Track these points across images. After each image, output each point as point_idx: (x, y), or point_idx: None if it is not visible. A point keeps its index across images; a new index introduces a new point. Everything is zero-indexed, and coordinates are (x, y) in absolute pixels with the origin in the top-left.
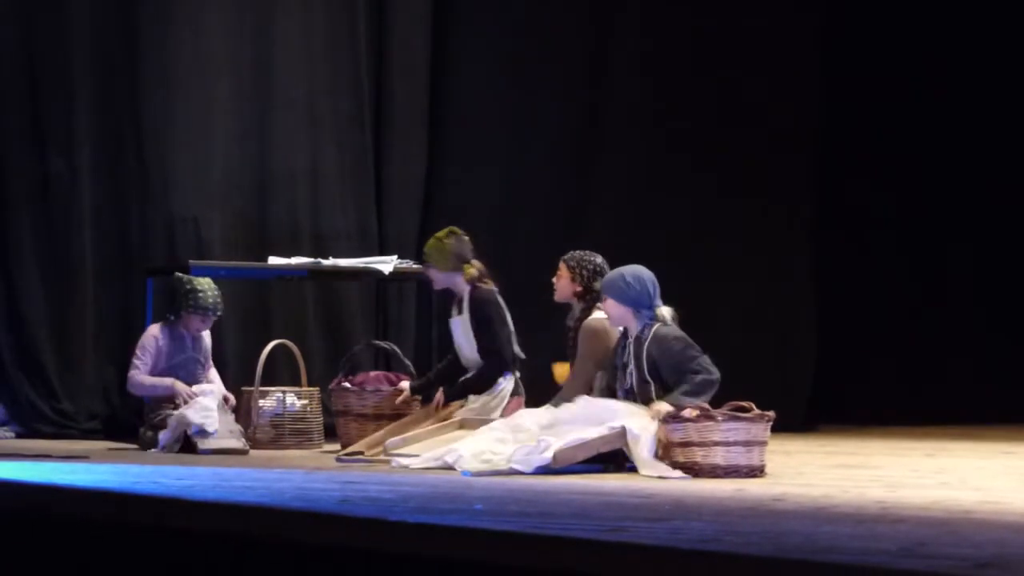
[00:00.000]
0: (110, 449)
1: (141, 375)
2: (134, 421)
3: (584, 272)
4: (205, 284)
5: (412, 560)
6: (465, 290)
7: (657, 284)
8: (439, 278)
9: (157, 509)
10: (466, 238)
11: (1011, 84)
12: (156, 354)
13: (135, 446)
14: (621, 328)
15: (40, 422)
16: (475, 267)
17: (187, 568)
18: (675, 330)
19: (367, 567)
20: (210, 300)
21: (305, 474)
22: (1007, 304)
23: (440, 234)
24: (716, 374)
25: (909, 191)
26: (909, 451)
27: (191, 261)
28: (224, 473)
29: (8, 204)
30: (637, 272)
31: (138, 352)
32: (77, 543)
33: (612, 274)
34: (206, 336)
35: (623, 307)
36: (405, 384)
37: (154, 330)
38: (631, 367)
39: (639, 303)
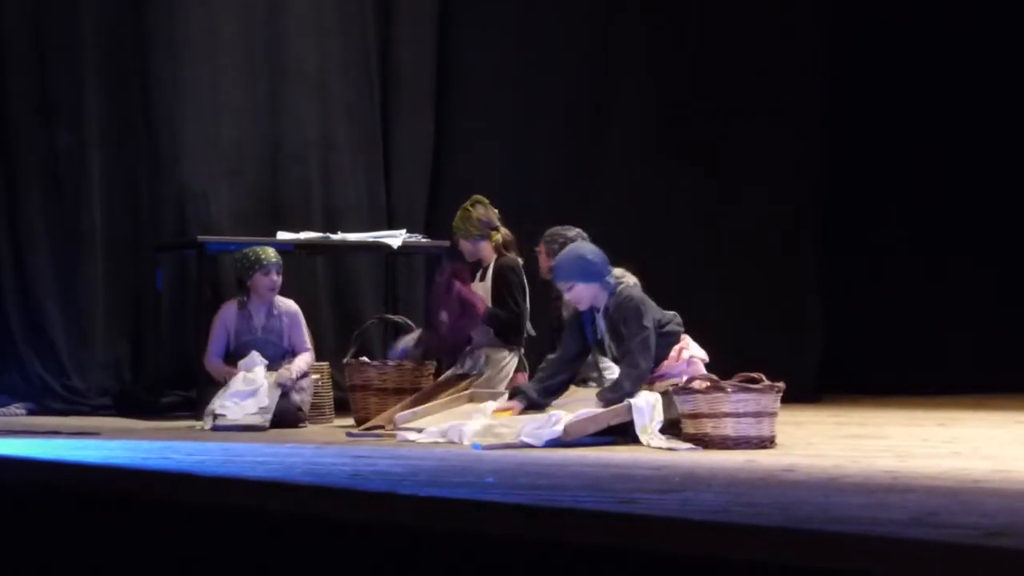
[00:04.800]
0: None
1: (211, 359)
2: (145, 397)
3: (555, 247)
4: (259, 249)
5: (423, 533)
6: (491, 257)
7: None
8: (468, 248)
9: (167, 485)
10: (491, 207)
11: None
12: (225, 334)
13: (145, 422)
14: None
15: (50, 399)
16: (502, 234)
17: (197, 544)
18: (632, 293)
19: (378, 541)
20: (272, 257)
21: (316, 449)
22: (1021, 272)
23: (466, 204)
24: (642, 367)
25: (920, 162)
26: (920, 421)
27: (199, 236)
28: (235, 448)
29: (17, 179)
30: (587, 246)
31: (210, 334)
32: (87, 519)
33: (565, 261)
34: (284, 317)
35: (593, 285)
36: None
37: (223, 309)
38: (607, 341)
39: (603, 274)
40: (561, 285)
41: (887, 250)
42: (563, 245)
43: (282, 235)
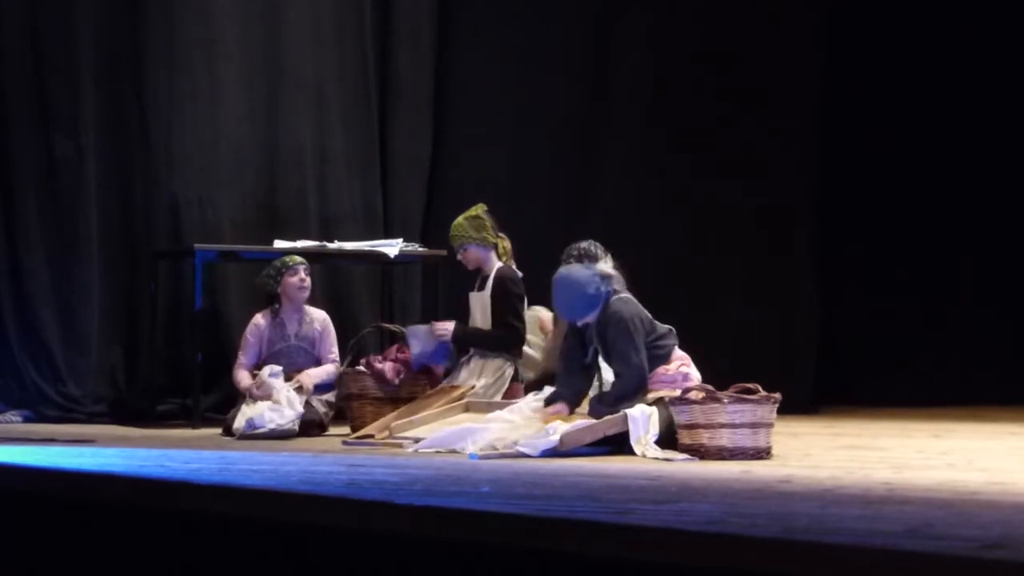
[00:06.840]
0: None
1: (238, 370)
2: (141, 404)
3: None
4: (284, 257)
5: (419, 543)
6: (495, 266)
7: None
8: (479, 254)
9: (163, 493)
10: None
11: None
12: (258, 343)
13: (141, 430)
14: None
15: (46, 406)
16: (507, 241)
17: (193, 552)
18: (625, 309)
19: (374, 550)
20: (297, 259)
21: (312, 457)
22: (1015, 283)
23: (470, 212)
24: (634, 381)
25: (914, 167)
26: (915, 432)
27: (196, 245)
28: (230, 456)
29: (14, 186)
30: (577, 273)
31: (242, 344)
32: (83, 527)
33: (568, 298)
34: (316, 324)
35: (597, 309)
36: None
37: (256, 318)
38: (593, 345)
39: (600, 295)
40: (579, 321)
41: (882, 262)
42: (579, 257)
43: (279, 244)
